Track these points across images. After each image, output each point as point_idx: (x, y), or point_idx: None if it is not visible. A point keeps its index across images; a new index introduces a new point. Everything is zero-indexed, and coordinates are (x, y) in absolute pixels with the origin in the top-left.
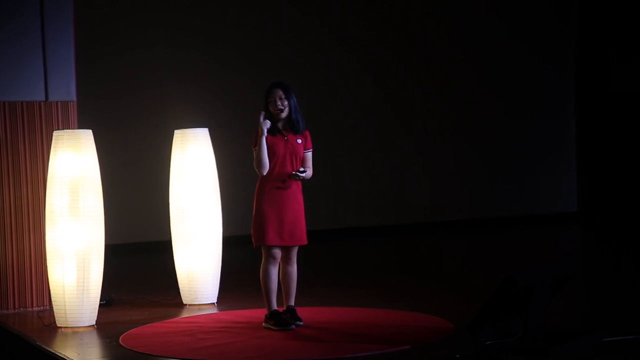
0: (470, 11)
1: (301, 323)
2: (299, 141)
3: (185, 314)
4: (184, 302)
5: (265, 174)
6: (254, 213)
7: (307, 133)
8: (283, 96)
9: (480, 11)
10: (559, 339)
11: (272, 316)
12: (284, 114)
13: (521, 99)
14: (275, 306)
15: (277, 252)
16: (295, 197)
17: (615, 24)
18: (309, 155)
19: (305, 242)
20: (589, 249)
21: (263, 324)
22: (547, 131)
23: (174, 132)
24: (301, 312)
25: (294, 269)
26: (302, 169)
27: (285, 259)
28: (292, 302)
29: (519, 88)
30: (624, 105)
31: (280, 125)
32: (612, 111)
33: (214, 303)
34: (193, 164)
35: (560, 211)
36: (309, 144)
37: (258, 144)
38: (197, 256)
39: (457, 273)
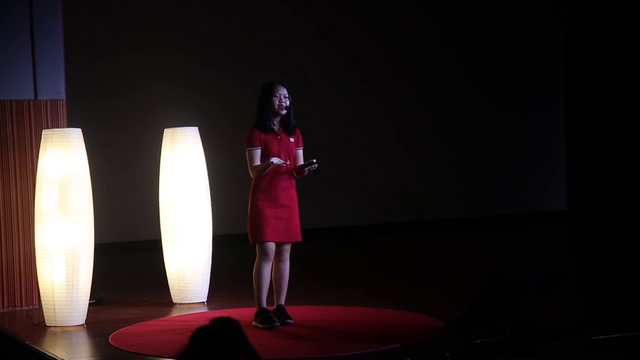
0: (461, 8)
1: (291, 321)
2: (292, 140)
3: (175, 313)
4: (174, 301)
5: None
6: (249, 211)
7: (299, 132)
8: (287, 95)
9: (470, 8)
10: (548, 337)
11: (260, 314)
12: (284, 112)
13: (511, 98)
14: (264, 304)
15: (272, 251)
16: (290, 195)
17: (605, 22)
18: (300, 153)
19: (299, 239)
20: (578, 247)
21: (253, 322)
22: (536, 130)
23: (163, 131)
24: (292, 310)
25: (286, 266)
26: (315, 160)
27: (279, 256)
28: (283, 301)
29: (509, 87)
30: (613, 104)
31: (275, 123)
32: (602, 111)
33: (204, 302)
34: (183, 163)
35: (549, 210)
36: (301, 142)
37: (262, 167)
38: (187, 255)
39: (448, 272)
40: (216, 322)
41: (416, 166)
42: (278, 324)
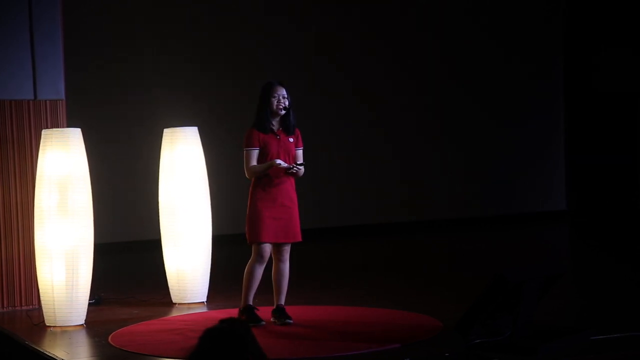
0: (460, 12)
1: (291, 321)
2: (291, 140)
3: (174, 312)
4: (174, 301)
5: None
6: (248, 211)
7: (298, 132)
8: (286, 95)
9: (470, 11)
10: (548, 337)
11: (245, 311)
12: (283, 112)
13: (511, 99)
14: (250, 302)
15: (267, 252)
16: (289, 195)
17: (604, 22)
18: (300, 153)
19: (299, 239)
20: (578, 247)
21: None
22: (536, 130)
23: (163, 130)
24: (292, 310)
25: (286, 266)
26: (300, 162)
27: (279, 257)
28: (283, 301)
29: (508, 88)
30: (613, 105)
31: (274, 123)
32: (601, 111)
33: (203, 302)
34: (182, 163)
35: (549, 210)
36: (300, 142)
37: (263, 168)
38: (187, 255)
39: (446, 272)
40: (225, 323)
41: (416, 166)
42: (263, 322)
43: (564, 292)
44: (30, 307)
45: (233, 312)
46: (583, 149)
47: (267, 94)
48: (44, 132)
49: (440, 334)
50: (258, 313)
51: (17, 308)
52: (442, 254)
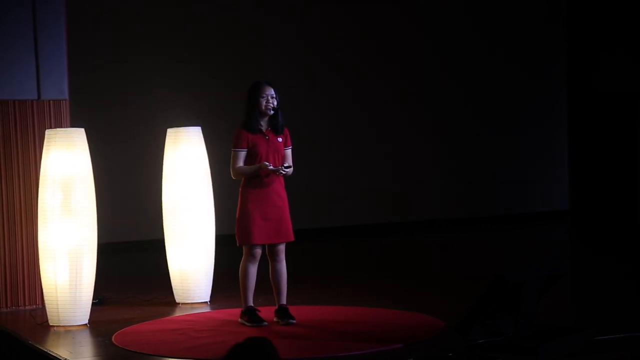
0: (459, 12)
1: (294, 321)
2: (280, 139)
3: (177, 312)
4: (177, 300)
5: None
6: (238, 212)
7: (287, 131)
8: (275, 95)
9: (469, 11)
10: (549, 337)
11: (247, 312)
12: (272, 113)
13: (511, 98)
14: (251, 302)
15: (258, 252)
16: (279, 194)
17: (605, 23)
18: (289, 152)
19: (291, 238)
20: (578, 247)
21: (239, 319)
22: (537, 130)
23: (166, 130)
24: (292, 310)
25: (282, 266)
26: (287, 164)
27: (274, 257)
28: (284, 301)
29: (509, 88)
30: (614, 104)
31: (262, 123)
32: (602, 111)
33: (206, 302)
34: (186, 163)
35: (550, 210)
36: (289, 141)
37: (251, 170)
38: (190, 255)
39: (446, 272)
40: (251, 340)
41: (417, 166)
42: (266, 323)
43: (564, 292)
44: (34, 306)
45: (236, 312)
46: (584, 149)
47: (255, 94)
48: (47, 132)
49: (440, 334)
50: (260, 314)
51: (20, 308)
52: (441, 254)
